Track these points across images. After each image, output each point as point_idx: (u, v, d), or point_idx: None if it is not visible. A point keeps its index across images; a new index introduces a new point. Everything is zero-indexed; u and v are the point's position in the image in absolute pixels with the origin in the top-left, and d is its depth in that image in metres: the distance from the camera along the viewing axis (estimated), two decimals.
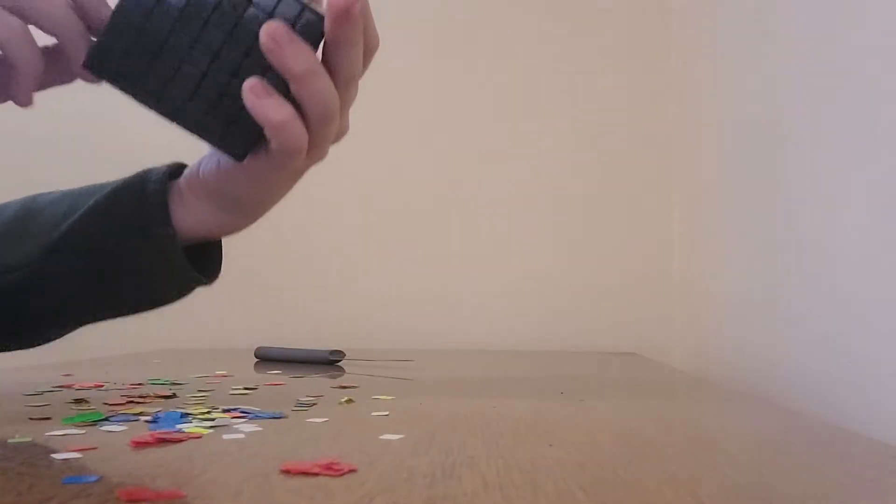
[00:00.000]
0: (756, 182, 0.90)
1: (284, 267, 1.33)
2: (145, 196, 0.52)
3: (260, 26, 0.43)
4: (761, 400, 0.63)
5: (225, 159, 0.50)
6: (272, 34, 0.43)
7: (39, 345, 0.60)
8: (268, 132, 0.45)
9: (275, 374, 0.77)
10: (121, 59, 0.46)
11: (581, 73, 1.35)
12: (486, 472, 0.33)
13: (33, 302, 0.54)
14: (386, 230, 1.34)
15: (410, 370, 0.83)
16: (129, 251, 0.52)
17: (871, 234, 0.62)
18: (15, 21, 0.43)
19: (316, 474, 0.32)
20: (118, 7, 0.45)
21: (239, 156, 0.49)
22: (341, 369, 0.84)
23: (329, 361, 0.90)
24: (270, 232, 1.39)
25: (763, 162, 0.88)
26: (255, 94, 0.44)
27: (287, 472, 0.32)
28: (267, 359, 0.95)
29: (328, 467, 0.33)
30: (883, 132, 0.60)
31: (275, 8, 0.44)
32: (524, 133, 1.35)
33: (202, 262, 0.55)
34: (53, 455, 0.35)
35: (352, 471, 0.33)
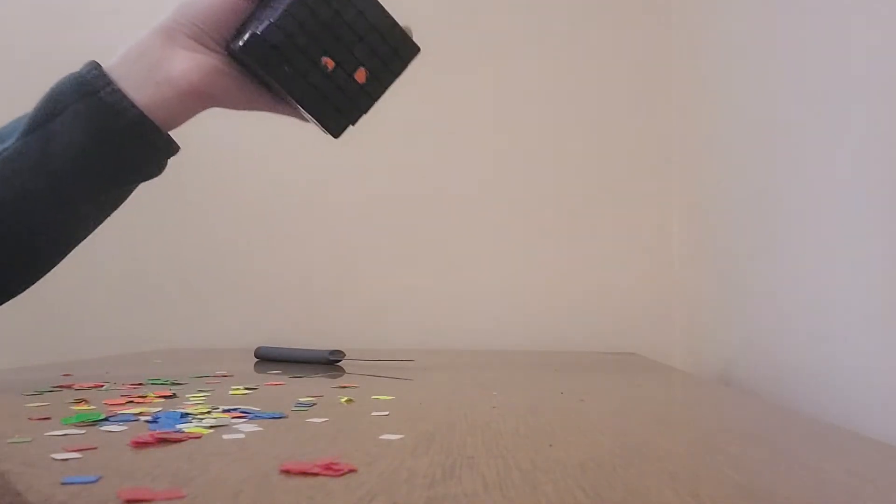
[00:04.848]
0: (756, 183, 0.90)
1: (284, 267, 1.33)
2: (80, 74, 0.59)
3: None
4: (761, 400, 0.63)
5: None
6: None
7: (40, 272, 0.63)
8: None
9: (275, 374, 0.77)
10: (276, 50, 0.55)
11: (584, 73, 1.35)
12: (486, 472, 0.33)
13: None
14: (386, 230, 1.34)
15: (410, 370, 0.83)
16: (76, 115, 0.57)
17: (870, 235, 0.62)
18: None
19: (316, 474, 0.32)
20: (291, 6, 0.55)
21: (335, 135, 0.63)
22: (341, 369, 0.84)
23: (329, 361, 0.90)
24: (271, 232, 1.40)
25: (762, 163, 0.88)
26: None
27: (287, 472, 0.32)
28: (267, 359, 0.95)
29: (328, 467, 0.33)
30: (881, 135, 0.60)
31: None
32: (524, 134, 1.35)
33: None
34: (53, 455, 0.35)
35: (352, 471, 0.33)
